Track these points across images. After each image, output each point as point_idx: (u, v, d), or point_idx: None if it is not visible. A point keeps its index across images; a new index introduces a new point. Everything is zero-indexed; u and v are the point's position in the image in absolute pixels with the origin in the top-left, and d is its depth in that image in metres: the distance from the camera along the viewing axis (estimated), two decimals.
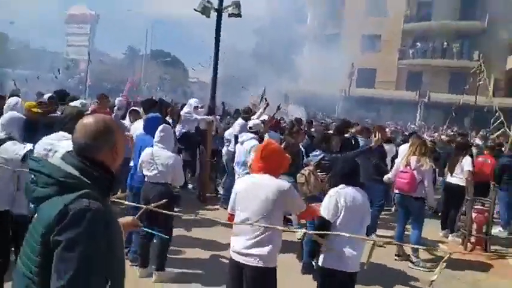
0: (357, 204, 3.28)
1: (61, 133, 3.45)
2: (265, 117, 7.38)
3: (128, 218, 2.17)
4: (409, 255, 5.38)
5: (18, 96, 6.03)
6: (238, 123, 7.59)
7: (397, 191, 5.47)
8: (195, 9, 8.31)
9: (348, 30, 32.11)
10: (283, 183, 2.99)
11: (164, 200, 2.94)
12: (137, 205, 2.78)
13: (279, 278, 2.99)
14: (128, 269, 1.71)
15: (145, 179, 4.32)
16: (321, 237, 3.23)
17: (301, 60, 31.55)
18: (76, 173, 1.52)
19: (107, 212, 1.53)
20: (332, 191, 3.33)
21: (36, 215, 1.54)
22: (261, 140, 5.70)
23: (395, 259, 5.42)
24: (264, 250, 2.90)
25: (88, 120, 1.63)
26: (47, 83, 14.70)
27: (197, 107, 7.81)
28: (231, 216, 3.06)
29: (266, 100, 8.43)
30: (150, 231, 4.22)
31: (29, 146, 3.49)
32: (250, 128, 6.21)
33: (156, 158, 4.24)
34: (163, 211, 3.28)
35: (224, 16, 8.51)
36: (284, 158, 3.13)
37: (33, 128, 3.69)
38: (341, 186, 3.34)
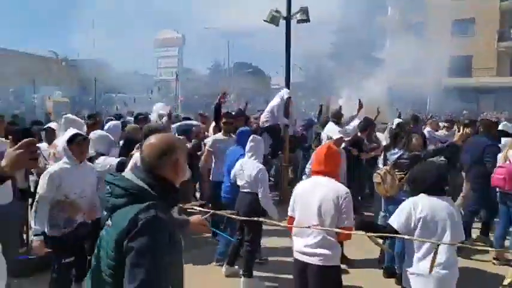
0: (439, 217, 2.84)
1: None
2: (356, 121, 7.10)
3: (196, 218, 2.32)
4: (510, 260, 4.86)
5: (119, 118, 6.87)
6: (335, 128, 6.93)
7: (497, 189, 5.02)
8: (264, 20, 8.54)
9: (435, 16, 29.73)
10: (342, 187, 3.01)
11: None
12: (205, 210, 2.97)
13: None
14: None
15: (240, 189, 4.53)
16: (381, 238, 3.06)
17: (386, 54, 30.12)
18: (145, 186, 1.71)
19: (170, 222, 1.72)
20: (408, 201, 3.01)
21: (109, 221, 1.74)
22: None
23: (493, 263, 4.99)
24: (327, 250, 2.95)
25: (153, 140, 1.80)
26: (143, 103, 16.36)
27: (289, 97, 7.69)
28: (291, 219, 3.14)
29: (360, 102, 7.78)
30: (217, 231, 4.48)
31: (114, 160, 4.01)
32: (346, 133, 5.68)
33: (245, 168, 4.42)
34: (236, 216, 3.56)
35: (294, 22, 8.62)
36: (340, 162, 3.19)
37: (132, 144, 4.18)
38: (421, 195, 2.98)
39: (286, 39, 8.59)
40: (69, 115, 5.74)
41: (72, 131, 3.56)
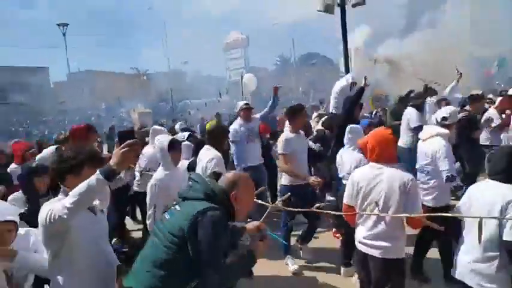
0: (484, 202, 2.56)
1: (206, 146, 4.33)
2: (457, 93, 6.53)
3: (254, 223, 2.51)
4: None
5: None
6: (409, 113, 6.03)
7: None
8: (318, 10, 8.59)
9: None
10: (407, 174, 2.86)
11: (288, 195, 3.30)
12: (263, 203, 3.04)
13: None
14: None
15: None
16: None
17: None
18: (217, 193, 2.13)
19: (227, 225, 2.11)
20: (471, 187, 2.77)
21: (178, 207, 2.12)
22: None
23: None
24: (387, 242, 2.85)
25: (229, 174, 2.27)
26: (214, 107, 17.30)
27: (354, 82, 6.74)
28: (348, 208, 3.07)
29: (458, 71, 6.85)
30: (272, 235, 4.59)
31: (186, 162, 4.52)
32: (444, 119, 4.14)
33: (344, 160, 4.31)
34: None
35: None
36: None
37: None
38: (483, 181, 2.74)
39: (342, 25, 8.55)
40: (156, 126, 6.26)
41: (168, 137, 3.69)
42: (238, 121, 5.67)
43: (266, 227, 2.46)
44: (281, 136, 4.60)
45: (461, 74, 6.89)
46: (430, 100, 6.78)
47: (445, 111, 4.23)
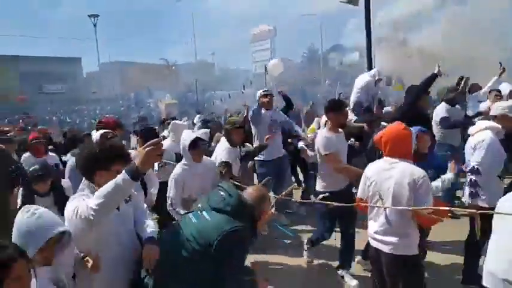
0: None
1: (222, 138, 4.60)
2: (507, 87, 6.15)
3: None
4: None
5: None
6: (438, 108, 5.69)
7: None
8: (340, 1, 8.49)
9: None
10: (418, 169, 2.81)
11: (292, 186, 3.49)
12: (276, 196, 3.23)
13: None
14: None
15: None
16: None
17: None
18: (246, 209, 2.25)
19: (249, 243, 2.26)
20: None
21: (206, 214, 2.23)
22: None
23: None
24: (396, 237, 2.82)
25: (253, 190, 2.40)
26: (238, 98, 17.45)
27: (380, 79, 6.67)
28: (360, 201, 3.06)
29: (501, 65, 6.56)
30: (280, 228, 4.63)
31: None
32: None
33: None
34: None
35: None
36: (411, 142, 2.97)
37: None
38: None
39: (366, 16, 8.39)
40: (176, 121, 6.24)
41: (192, 135, 3.68)
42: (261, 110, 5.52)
43: (277, 216, 2.73)
44: (318, 135, 4.14)
45: (504, 68, 6.63)
46: (474, 94, 6.58)
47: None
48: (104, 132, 3.82)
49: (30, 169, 3.59)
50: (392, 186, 2.78)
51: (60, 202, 3.33)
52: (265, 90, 5.74)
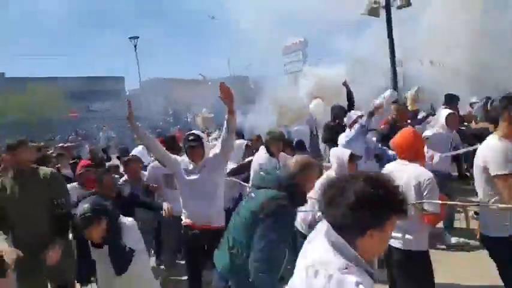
0: None
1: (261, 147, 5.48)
2: None
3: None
4: None
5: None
6: None
7: None
8: (362, 14, 8.82)
9: None
10: (425, 172, 2.93)
11: None
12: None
13: None
14: None
15: None
16: None
17: None
18: (283, 180, 2.49)
19: (293, 213, 2.49)
20: None
21: (253, 194, 2.55)
22: None
23: None
24: (408, 233, 2.90)
25: (298, 157, 2.64)
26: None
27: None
28: None
29: None
30: None
31: None
32: None
33: None
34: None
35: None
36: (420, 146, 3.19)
37: None
38: None
39: (388, 28, 8.68)
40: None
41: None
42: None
43: None
44: (489, 144, 2.83)
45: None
46: None
47: None
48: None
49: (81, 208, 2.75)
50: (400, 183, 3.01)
51: (117, 256, 2.74)
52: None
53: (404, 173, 2.99)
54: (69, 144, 14.48)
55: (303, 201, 2.53)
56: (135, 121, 3.81)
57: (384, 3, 8.58)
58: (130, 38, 31.92)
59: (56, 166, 6.93)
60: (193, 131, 4.06)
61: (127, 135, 26.80)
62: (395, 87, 8.49)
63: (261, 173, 2.62)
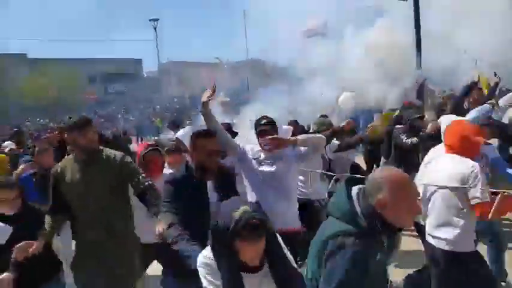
0: None
1: None
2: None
3: None
4: None
5: None
6: None
7: None
8: None
9: None
10: (468, 162, 2.74)
11: None
12: None
13: None
14: None
15: None
16: None
17: None
18: (358, 214, 1.70)
19: (368, 258, 1.63)
20: None
21: (326, 220, 1.84)
22: None
23: None
24: (450, 232, 2.69)
25: (380, 173, 1.78)
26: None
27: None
28: None
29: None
30: None
31: None
32: None
33: None
34: None
35: None
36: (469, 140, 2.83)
37: None
38: None
39: (415, 10, 8.41)
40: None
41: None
42: None
43: None
44: None
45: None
46: None
47: None
48: None
49: None
50: (443, 179, 2.76)
51: None
52: None
53: (448, 163, 2.80)
54: None
55: (394, 239, 2.04)
56: (209, 108, 3.13)
57: None
58: (150, 20, 31.94)
59: None
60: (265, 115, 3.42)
61: (145, 118, 27.12)
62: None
63: (335, 193, 1.90)
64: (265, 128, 3.25)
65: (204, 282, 1.90)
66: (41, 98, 32.02)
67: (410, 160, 4.48)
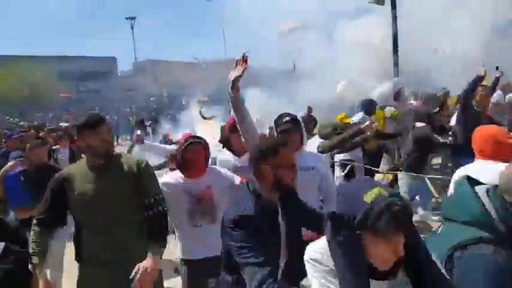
0: None
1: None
2: None
3: None
4: None
5: None
6: None
7: None
8: (369, 2, 8.88)
9: None
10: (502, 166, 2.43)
11: None
12: None
13: None
14: None
15: None
16: None
17: None
18: (493, 216, 1.42)
19: (506, 264, 1.34)
20: None
21: (443, 226, 1.56)
22: None
23: None
24: None
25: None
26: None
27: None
28: None
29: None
30: None
31: None
32: None
33: None
34: None
35: None
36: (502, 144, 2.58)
37: None
38: None
39: (393, 18, 8.74)
40: None
41: None
42: None
43: None
44: None
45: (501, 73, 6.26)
46: None
47: None
48: None
49: None
50: None
51: None
52: None
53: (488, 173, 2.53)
54: (64, 124, 14.35)
55: None
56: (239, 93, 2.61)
57: None
58: (127, 18, 31.46)
59: (54, 147, 6.90)
60: (287, 112, 2.95)
61: (121, 116, 26.62)
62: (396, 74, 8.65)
63: (451, 192, 1.68)
64: (287, 126, 2.76)
65: (315, 285, 1.40)
66: (11, 95, 30.92)
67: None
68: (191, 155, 2.69)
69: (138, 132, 6.92)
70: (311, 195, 2.59)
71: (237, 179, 2.75)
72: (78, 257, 2.48)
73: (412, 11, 8.95)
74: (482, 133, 2.75)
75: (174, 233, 3.00)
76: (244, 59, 2.59)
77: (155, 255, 2.27)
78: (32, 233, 2.39)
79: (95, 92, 42.82)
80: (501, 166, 1.85)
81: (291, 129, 2.74)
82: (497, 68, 6.04)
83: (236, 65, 2.62)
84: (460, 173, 2.71)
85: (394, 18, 8.66)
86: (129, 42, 36.43)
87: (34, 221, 2.42)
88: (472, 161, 2.77)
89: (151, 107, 30.26)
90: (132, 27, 31.32)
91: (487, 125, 2.97)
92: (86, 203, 2.37)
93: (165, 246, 2.38)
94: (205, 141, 2.81)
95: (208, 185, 2.69)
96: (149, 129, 9.22)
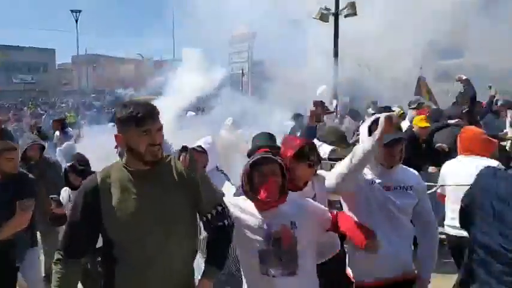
0: None
1: None
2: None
3: None
4: None
5: None
6: None
7: None
8: (313, 17, 9.24)
9: None
10: (485, 161, 2.81)
11: None
12: None
13: None
14: None
15: None
16: None
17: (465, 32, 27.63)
18: None
19: None
20: None
21: None
22: None
23: None
24: None
25: None
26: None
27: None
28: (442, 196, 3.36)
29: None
30: None
31: None
32: None
33: None
34: None
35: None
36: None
37: None
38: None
39: (335, 34, 9.17)
40: None
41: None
42: None
43: None
44: None
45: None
46: None
47: None
48: None
49: None
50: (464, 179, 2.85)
51: None
52: None
53: (467, 166, 2.93)
54: None
55: None
56: None
57: (333, 11, 9.07)
58: (72, 11, 29.78)
59: None
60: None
61: (58, 112, 25.07)
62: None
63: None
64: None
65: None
66: None
67: None
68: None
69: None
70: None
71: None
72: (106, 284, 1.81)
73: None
74: (468, 134, 3.19)
75: None
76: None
77: (209, 280, 1.81)
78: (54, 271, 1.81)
79: (30, 84, 39.95)
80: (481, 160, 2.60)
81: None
82: (490, 86, 6.51)
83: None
84: (446, 168, 3.26)
85: (336, 36, 9.10)
86: (73, 35, 34.56)
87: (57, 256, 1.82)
88: None
89: (90, 103, 28.79)
90: (76, 20, 29.67)
91: (469, 127, 3.46)
92: (129, 222, 1.74)
93: (222, 269, 1.91)
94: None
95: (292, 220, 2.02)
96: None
